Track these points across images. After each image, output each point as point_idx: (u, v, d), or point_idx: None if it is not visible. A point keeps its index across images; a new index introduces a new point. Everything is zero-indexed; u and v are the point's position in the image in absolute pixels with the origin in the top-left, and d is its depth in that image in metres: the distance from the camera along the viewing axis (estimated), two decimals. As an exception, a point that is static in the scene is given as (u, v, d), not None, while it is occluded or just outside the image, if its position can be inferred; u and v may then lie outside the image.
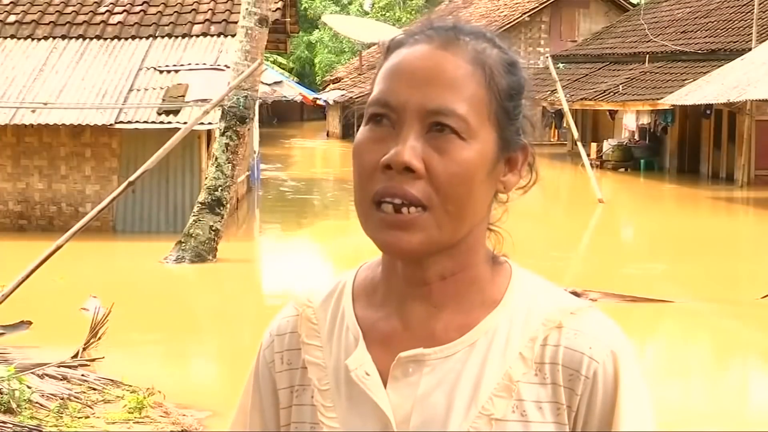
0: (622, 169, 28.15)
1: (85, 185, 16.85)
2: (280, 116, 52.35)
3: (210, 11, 18.95)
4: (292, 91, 36.69)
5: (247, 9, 14.57)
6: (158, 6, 19.09)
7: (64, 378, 7.81)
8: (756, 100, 22.57)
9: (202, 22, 18.69)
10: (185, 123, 14.99)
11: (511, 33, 39.00)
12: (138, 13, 18.95)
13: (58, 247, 9.50)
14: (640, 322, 10.88)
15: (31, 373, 7.66)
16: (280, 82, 34.11)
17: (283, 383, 1.39)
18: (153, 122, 16.08)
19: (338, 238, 16.03)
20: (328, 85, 46.85)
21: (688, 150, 27.50)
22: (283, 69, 47.05)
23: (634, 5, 38.18)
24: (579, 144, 23.30)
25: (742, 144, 24.34)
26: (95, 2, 19.21)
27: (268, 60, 35.27)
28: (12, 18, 18.76)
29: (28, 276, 9.27)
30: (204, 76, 17.03)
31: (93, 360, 8.57)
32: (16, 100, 16.61)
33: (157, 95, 16.70)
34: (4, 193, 16.90)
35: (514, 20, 39.23)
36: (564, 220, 20.33)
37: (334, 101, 40.95)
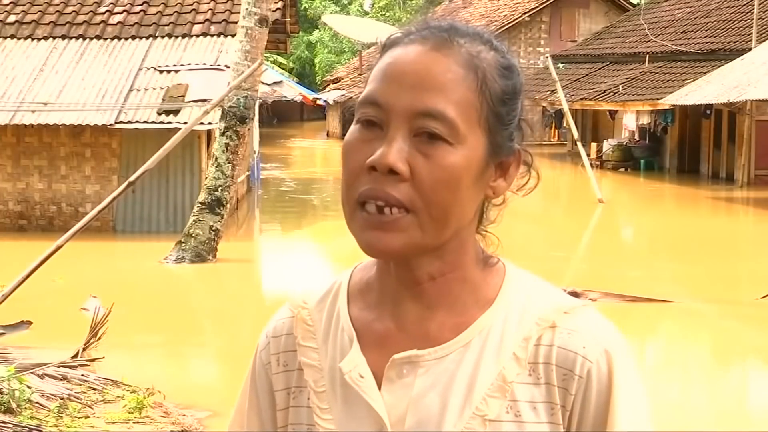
0: (622, 169, 28.15)
1: (85, 185, 16.85)
2: (280, 116, 52.35)
3: (210, 11, 18.95)
4: (292, 91, 36.68)
5: (247, 9, 14.57)
6: (158, 6, 19.10)
7: (64, 378, 7.81)
8: (756, 100, 22.57)
9: (202, 22, 18.69)
10: (185, 123, 15.00)
11: (511, 33, 39.02)
12: (138, 13, 18.95)
13: (58, 247, 9.51)
14: (640, 322, 10.88)
15: (31, 373, 7.66)
16: (280, 82, 34.11)
17: (280, 385, 1.40)
18: (153, 122, 16.09)
19: (338, 238, 16.02)
20: (328, 85, 46.84)
21: (688, 150, 27.50)
22: (283, 69, 47.05)
23: (634, 5, 38.17)
24: (579, 144, 23.30)
25: (742, 144, 24.34)
26: (95, 2, 19.21)
27: (268, 60, 35.27)
28: (12, 18, 18.76)
29: (28, 276, 9.28)
30: (204, 76, 17.03)
31: (93, 360, 8.57)
32: (16, 100, 16.61)
33: (157, 95, 16.70)
34: (4, 193, 16.90)
35: (514, 20, 39.22)
36: (564, 220, 20.33)
37: (334, 101, 40.95)
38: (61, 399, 7.34)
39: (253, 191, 23.61)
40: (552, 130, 35.97)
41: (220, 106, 14.07)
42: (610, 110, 29.15)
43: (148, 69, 17.48)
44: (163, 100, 16.54)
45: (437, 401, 1.28)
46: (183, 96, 16.53)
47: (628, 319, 10.60)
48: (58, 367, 8.03)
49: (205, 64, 17.48)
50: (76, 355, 8.56)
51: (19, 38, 18.42)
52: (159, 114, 16.23)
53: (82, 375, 7.96)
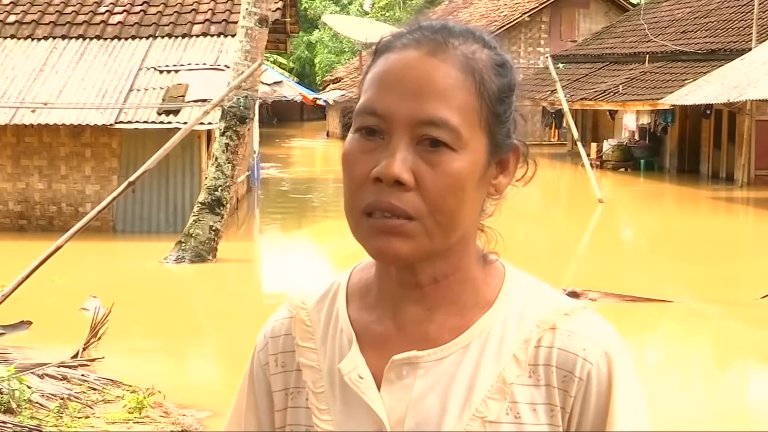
0: (622, 169, 28.15)
1: (85, 185, 16.85)
2: (280, 116, 52.35)
3: (210, 11, 18.95)
4: (292, 91, 36.68)
5: (247, 9, 14.57)
6: (158, 6, 19.10)
7: (64, 378, 7.81)
8: (756, 100, 22.56)
9: (202, 22, 18.69)
10: (185, 123, 15.00)
11: (511, 33, 39.02)
12: (138, 13, 18.95)
13: (58, 248, 9.51)
14: (640, 322, 10.88)
15: (31, 373, 7.66)
16: (280, 82, 34.11)
17: (278, 386, 1.40)
18: (153, 122, 16.09)
19: (338, 238, 16.02)
20: (328, 85, 46.85)
21: (688, 150, 27.49)
22: (283, 69, 47.04)
23: (634, 5, 38.16)
24: (579, 144, 23.29)
25: (742, 144, 24.33)
26: (95, 2, 19.21)
27: (268, 60, 35.28)
28: (12, 18, 18.76)
29: (28, 276, 9.28)
30: (204, 76, 17.03)
31: (93, 360, 8.57)
32: (16, 100, 16.61)
33: (157, 95, 16.70)
34: (4, 193, 16.90)
35: (514, 20, 39.21)
36: (564, 221, 20.33)
37: (334, 101, 40.95)
38: (61, 399, 7.34)
39: (253, 191, 23.61)
40: (552, 130, 35.97)
41: (220, 106, 14.08)
42: (610, 110, 29.15)
43: (148, 69, 17.48)
44: (163, 100, 16.54)
45: (437, 402, 1.28)
46: (183, 96, 16.53)
47: (628, 319, 10.60)
48: (58, 367, 8.03)
49: (205, 64, 17.48)
50: (76, 355, 8.56)
51: (19, 38, 18.42)
52: (159, 114, 16.23)
53: (82, 375, 7.96)
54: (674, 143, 27.93)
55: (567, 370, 1.28)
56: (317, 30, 55.05)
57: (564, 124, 30.45)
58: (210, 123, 15.09)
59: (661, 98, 25.04)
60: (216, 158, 14.31)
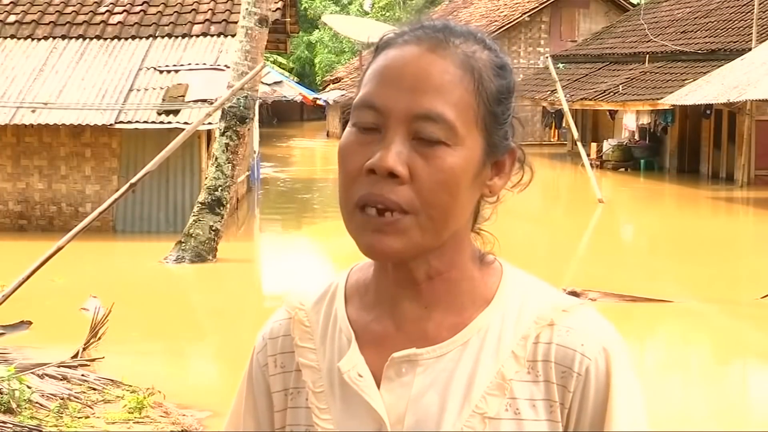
0: (622, 169, 28.15)
1: (85, 185, 16.85)
2: (280, 116, 52.35)
3: (210, 11, 18.95)
4: (292, 91, 36.69)
5: (247, 9, 14.57)
6: (158, 6, 19.10)
7: (64, 378, 7.81)
8: (756, 100, 22.56)
9: (202, 22, 18.69)
10: (185, 123, 15.02)
11: (511, 33, 39.02)
12: (138, 13, 18.95)
13: (59, 249, 9.51)
14: (640, 322, 10.88)
15: (31, 373, 7.66)
16: (280, 82, 34.12)
17: (277, 386, 1.40)
18: (153, 122, 16.09)
19: (338, 238, 16.02)
20: (328, 85, 46.85)
21: (688, 150, 27.49)
22: (283, 69, 47.04)
23: (634, 5, 38.16)
24: (579, 144, 23.30)
25: (742, 144, 24.33)
26: (95, 2, 19.21)
27: (268, 60, 35.27)
28: (12, 18, 18.77)
29: (28, 277, 9.28)
30: (204, 76, 17.03)
31: (93, 360, 8.57)
32: (16, 100, 16.61)
33: (157, 95, 16.70)
34: (4, 193, 16.91)
35: (514, 20, 39.21)
36: (564, 221, 20.33)
37: (334, 101, 40.95)
38: (61, 399, 7.35)
39: (253, 191, 23.61)
40: (552, 130, 35.97)
41: (220, 107, 14.07)
42: (610, 110, 29.14)
43: (148, 69, 17.48)
44: (163, 100, 16.54)
45: (436, 400, 1.28)
46: (183, 96, 16.53)
47: (628, 319, 10.60)
48: (58, 367, 8.03)
49: (205, 64, 17.48)
50: (76, 355, 8.56)
51: (19, 38, 18.42)
52: (159, 114, 16.23)
53: (82, 375, 7.96)
54: (674, 143, 27.93)
55: (565, 366, 1.28)
56: (317, 30, 55.05)
57: (564, 124, 30.45)
58: (210, 123, 15.08)
59: (661, 98, 25.04)
60: (216, 158, 14.31)
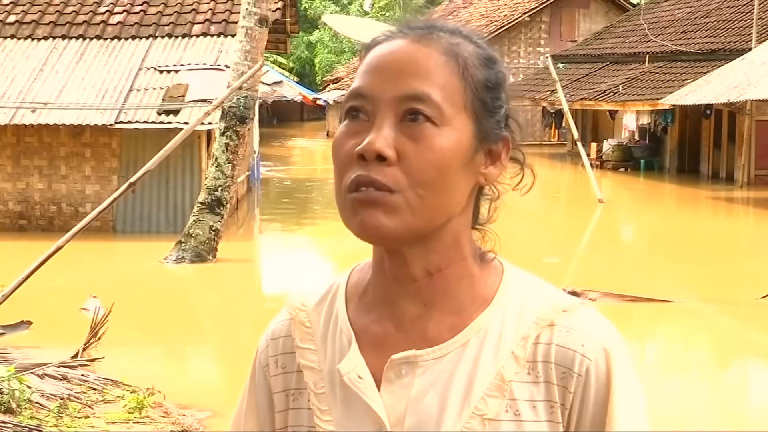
0: (622, 169, 28.15)
1: (85, 185, 16.85)
2: (280, 116, 52.35)
3: (210, 11, 18.95)
4: (292, 91, 36.71)
5: (247, 9, 14.57)
6: (158, 6, 19.10)
7: (64, 378, 7.81)
8: (756, 100, 22.56)
9: (202, 22, 18.69)
10: (185, 123, 15.01)
11: (511, 33, 39.03)
12: (138, 13, 18.95)
13: (59, 248, 9.51)
14: (640, 322, 10.88)
15: (31, 373, 7.66)
16: (280, 82, 34.13)
17: (278, 387, 1.40)
18: (153, 122, 16.09)
19: (338, 238, 16.01)
20: (328, 85, 46.85)
21: (688, 150, 27.49)
22: (283, 69, 47.05)
23: (634, 5, 38.16)
24: (579, 144, 23.30)
25: (742, 144, 24.33)
26: (95, 2, 19.21)
27: (268, 60, 35.28)
28: (12, 18, 18.76)
29: (28, 276, 9.28)
30: (204, 76, 17.03)
31: (93, 360, 8.57)
32: (16, 100, 16.61)
33: (157, 95, 16.70)
34: (4, 193, 16.90)
35: (514, 20, 39.21)
36: (564, 220, 20.33)
37: (334, 101, 40.95)
38: (61, 399, 7.34)
39: (253, 191, 23.61)
40: (552, 130, 35.96)
41: (220, 106, 14.07)
42: (610, 110, 29.15)
43: (148, 69, 17.48)
44: (163, 100, 16.54)
45: (436, 401, 1.28)
46: (183, 96, 16.53)
47: (628, 319, 10.61)
48: (58, 367, 8.03)
49: (205, 64, 17.48)
50: (76, 355, 8.56)
51: (19, 38, 18.42)
52: (159, 114, 16.23)
53: (82, 375, 7.96)
54: (674, 143, 27.93)
55: (566, 367, 1.28)
56: (317, 30, 55.05)
57: (564, 124, 30.44)
58: (210, 123, 15.09)
59: (661, 98, 25.04)
60: (216, 158, 14.31)
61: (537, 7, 39.34)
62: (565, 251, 16.21)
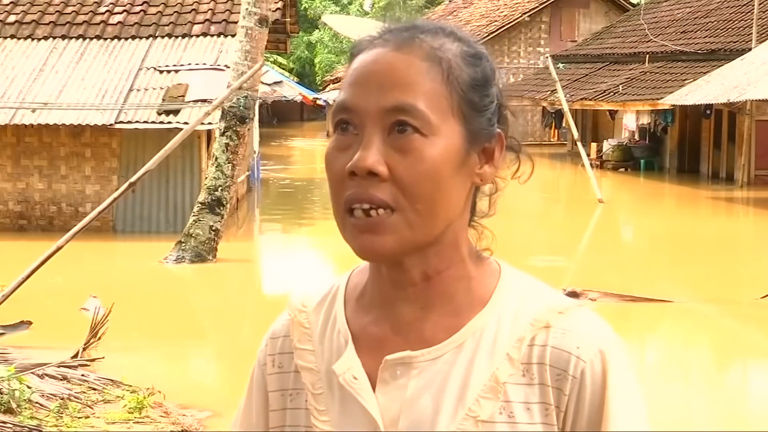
0: (622, 169, 28.15)
1: (85, 185, 16.85)
2: (280, 116, 52.34)
3: (210, 11, 18.95)
4: (292, 91, 36.71)
5: (247, 9, 14.57)
6: (158, 6, 19.10)
7: (64, 378, 7.81)
8: (756, 100, 22.56)
9: (202, 22, 18.69)
10: (185, 123, 15.01)
11: (511, 33, 39.03)
12: (138, 13, 18.95)
13: (59, 248, 9.51)
14: (640, 322, 10.88)
15: (31, 373, 7.66)
16: (280, 82, 34.13)
17: (273, 386, 1.41)
18: (153, 122, 16.09)
19: (338, 238, 15.91)
20: (328, 85, 46.85)
21: (688, 150, 27.49)
22: (283, 69, 47.05)
23: (634, 5, 38.16)
24: (579, 144, 23.30)
25: (742, 144, 24.33)
26: (95, 2, 19.21)
27: (268, 60, 35.28)
28: (12, 18, 18.76)
29: (28, 276, 9.28)
30: (204, 76, 17.03)
31: (93, 360, 8.57)
32: (16, 100, 16.61)
33: (157, 95, 16.70)
34: (4, 193, 16.90)
35: (514, 20, 39.21)
36: (564, 220, 20.33)
37: (334, 101, 40.75)
38: (61, 399, 7.35)
39: (253, 191, 23.61)
40: (552, 130, 35.97)
41: (219, 106, 14.07)
42: (610, 110, 29.15)
43: (148, 69, 17.48)
44: (163, 100, 16.54)
45: (430, 402, 1.28)
46: (183, 96, 16.53)
47: (628, 319, 10.61)
48: (58, 367, 8.03)
49: (205, 64, 17.48)
50: (76, 355, 8.56)
51: (19, 38, 18.42)
52: (159, 114, 16.23)
53: (82, 375, 7.96)
54: (674, 143, 27.93)
55: (561, 369, 1.27)
56: (317, 30, 55.05)
57: (564, 124, 30.45)
58: (210, 123, 15.09)
59: (661, 98, 25.04)
60: (216, 158, 14.31)
61: (537, 7, 39.34)
62: (565, 251, 16.20)
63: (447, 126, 1.27)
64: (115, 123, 16.18)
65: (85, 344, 8.72)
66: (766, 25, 25.47)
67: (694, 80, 24.73)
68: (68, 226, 12.21)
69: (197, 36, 18.44)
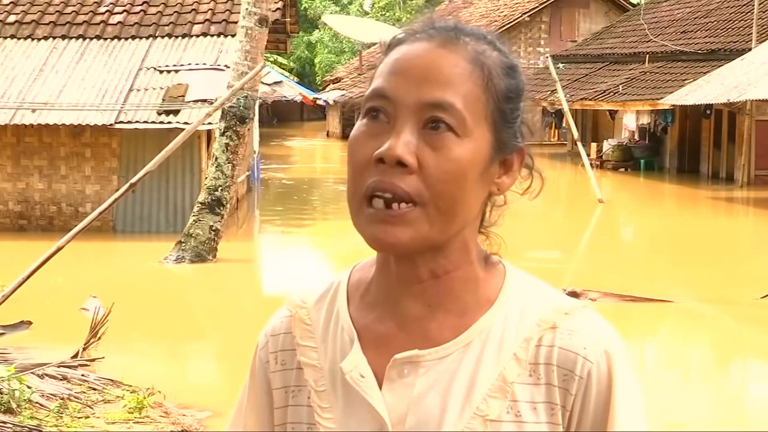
0: (622, 169, 28.15)
1: (85, 185, 16.85)
2: (280, 116, 52.35)
3: (210, 11, 18.95)
4: (292, 91, 36.72)
5: (247, 9, 14.57)
6: (158, 6, 19.10)
7: (64, 378, 7.81)
8: (756, 100, 22.57)
9: (202, 22, 18.69)
10: (185, 123, 15.02)
11: (511, 33, 39.01)
12: (138, 13, 18.95)
13: (59, 249, 9.51)
14: (640, 322, 10.88)
15: (31, 373, 7.66)
16: (280, 82, 34.14)
17: (277, 383, 1.40)
18: (153, 122, 16.09)
19: (338, 238, 16.02)
20: (328, 85, 46.82)
21: (688, 150, 27.50)
22: (283, 69, 47.04)
23: (634, 5, 38.16)
24: (579, 144, 23.30)
25: (742, 144, 24.34)
26: (95, 2, 19.21)
27: (268, 60, 35.28)
28: (12, 18, 18.77)
29: (28, 277, 9.28)
30: (204, 76, 17.03)
31: (93, 360, 8.57)
32: (16, 100, 16.61)
33: (157, 95, 16.70)
34: (4, 193, 16.90)
35: (514, 20, 39.21)
36: (564, 220, 20.33)
37: (334, 101, 40.95)
38: (61, 399, 7.35)
39: (253, 191, 23.61)
40: (552, 130, 35.96)
41: (220, 107, 14.07)
42: (610, 110, 29.15)
43: (148, 69, 17.48)
44: (163, 100, 16.54)
45: (438, 401, 1.28)
46: (183, 96, 16.53)
47: (628, 319, 10.60)
48: (58, 367, 8.03)
49: (205, 64, 17.48)
50: (76, 355, 8.56)
51: (19, 38, 18.42)
52: (159, 114, 16.23)
53: (82, 375, 7.96)
54: (674, 143, 27.94)
55: (567, 369, 1.28)
56: (317, 30, 55.04)
57: (564, 124, 30.44)
58: (210, 123, 15.08)
59: (661, 98, 25.05)
60: (216, 158, 14.31)
61: (537, 7, 39.34)
62: (565, 251, 16.21)
63: (479, 131, 1.28)
64: (115, 123, 16.18)
65: (85, 344, 8.72)
66: (766, 25, 25.48)
67: (694, 80, 24.74)
68: (68, 226, 12.22)
69: (197, 36, 18.44)
